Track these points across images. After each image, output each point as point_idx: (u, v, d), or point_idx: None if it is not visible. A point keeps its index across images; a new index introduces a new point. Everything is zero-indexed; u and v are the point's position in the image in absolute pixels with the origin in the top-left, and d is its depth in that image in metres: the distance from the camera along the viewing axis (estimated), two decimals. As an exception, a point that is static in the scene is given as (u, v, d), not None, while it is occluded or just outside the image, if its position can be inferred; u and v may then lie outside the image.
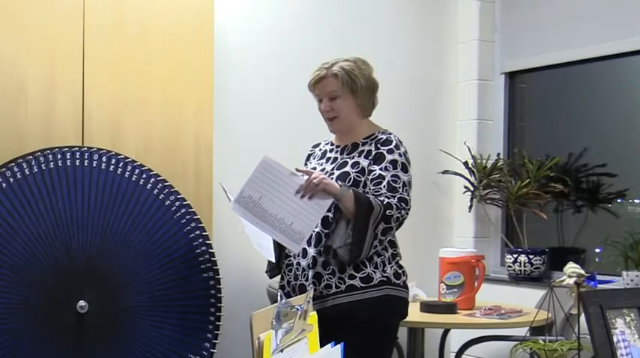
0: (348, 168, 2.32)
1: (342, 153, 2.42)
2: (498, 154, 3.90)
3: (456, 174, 3.90)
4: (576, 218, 3.76)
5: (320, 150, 2.55)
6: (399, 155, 2.32)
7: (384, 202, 2.20)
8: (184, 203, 2.72)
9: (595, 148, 3.68)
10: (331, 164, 2.41)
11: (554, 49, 3.72)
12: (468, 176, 3.84)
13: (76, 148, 2.61)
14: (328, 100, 2.33)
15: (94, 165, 2.60)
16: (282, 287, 2.46)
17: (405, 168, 2.32)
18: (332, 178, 2.31)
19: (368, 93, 2.37)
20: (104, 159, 2.62)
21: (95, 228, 2.57)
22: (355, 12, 3.85)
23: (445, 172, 3.94)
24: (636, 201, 3.54)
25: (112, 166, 2.63)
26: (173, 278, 2.69)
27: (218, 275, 2.76)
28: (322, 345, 1.38)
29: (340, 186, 2.21)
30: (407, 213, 2.29)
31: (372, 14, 3.89)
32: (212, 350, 2.73)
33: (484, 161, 3.81)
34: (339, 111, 2.33)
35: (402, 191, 2.26)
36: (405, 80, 3.96)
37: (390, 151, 2.31)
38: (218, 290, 2.75)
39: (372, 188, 2.25)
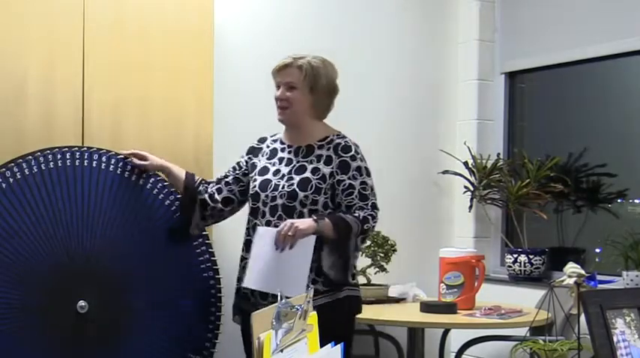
0: (308, 174, 2.31)
1: (296, 155, 2.38)
2: (498, 154, 3.90)
3: (456, 174, 3.90)
4: (576, 218, 3.76)
5: (268, 147, 2.49)
6: (361, 160, 2.35)
7: (360, 217, 2.25)
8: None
9: (595, 148, 3.69)
10: (286, 166, 2.38)
11: (554, 49, 3.73)
12: (468, 176, 3.84)
13: (76, 148, 2.61)
14: (286, 89, 2.33)
15: (94, 165, 2.60)
16: (238, 284, 2.45)
17: (368, 173, 2.36)
18: (292, 183, 2.31)
19: (326, 95, 2.37)
20: (104, 159, 2.62)
21: (95, 228, 2.57)
22: (355, 12, 3.85)
23: (445, 172, 3.94)
24: (636, 201, 3.53)
25: (112, 166, 2.63)
26: (173, 278, 2.69)
27: (218, 274, 2.76)
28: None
29: (315, 220, 2.20)
30: (378, 217, 2.33)
31: (371, 14, 3.89)
32: (212, 350, 2.74)
33: (484, 161, 3.81)
34: (292, 103, 2.33)
35: (372, 196, 2.32)
36: (404, 80, 3.97)
37: (353, 158, 2.31)
38: (218, 290, 2.74)
39: (344, 198, 2.28)
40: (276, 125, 3.46)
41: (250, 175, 2.47)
